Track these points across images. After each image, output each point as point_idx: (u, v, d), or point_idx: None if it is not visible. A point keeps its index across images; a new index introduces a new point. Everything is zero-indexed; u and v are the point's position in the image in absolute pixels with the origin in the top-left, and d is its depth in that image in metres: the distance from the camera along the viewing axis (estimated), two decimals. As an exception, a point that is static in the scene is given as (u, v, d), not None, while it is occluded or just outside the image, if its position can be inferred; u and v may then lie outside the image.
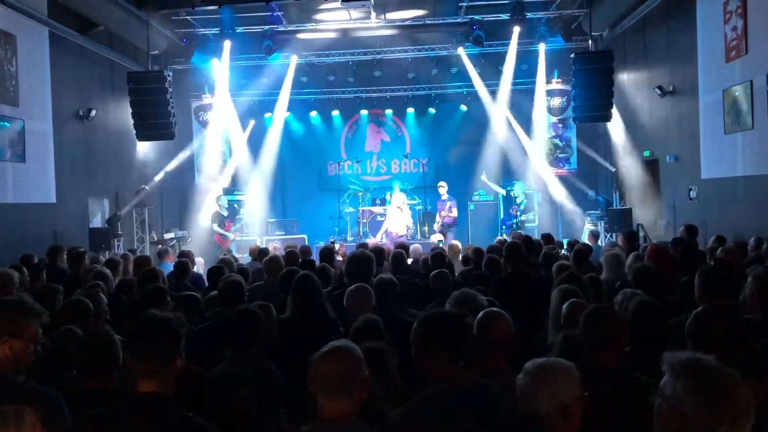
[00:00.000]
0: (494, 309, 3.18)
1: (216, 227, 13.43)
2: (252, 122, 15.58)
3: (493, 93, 15.07)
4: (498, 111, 14.93)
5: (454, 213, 13.54)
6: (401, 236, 13.05)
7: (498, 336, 2.93)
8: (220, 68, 13.98)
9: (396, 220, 13.45)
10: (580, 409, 2.21)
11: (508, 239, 8.66)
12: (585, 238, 11.58)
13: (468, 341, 2.73)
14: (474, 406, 2.46)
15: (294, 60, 14.60)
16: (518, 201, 14.04)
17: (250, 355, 3.39)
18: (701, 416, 1.60)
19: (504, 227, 13.79)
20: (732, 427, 1.60)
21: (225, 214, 13.75)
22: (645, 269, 4.47)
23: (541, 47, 13.82)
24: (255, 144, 15.53)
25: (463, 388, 2.53)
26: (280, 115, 15.30)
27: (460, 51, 14.18)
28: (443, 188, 13.78)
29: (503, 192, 14.28)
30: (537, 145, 15.03)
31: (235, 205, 14.54)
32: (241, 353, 3.38)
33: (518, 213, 13.88)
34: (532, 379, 2.22)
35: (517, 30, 13.09)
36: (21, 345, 2.63)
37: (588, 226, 13.39)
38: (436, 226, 13.63)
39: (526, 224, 13.84)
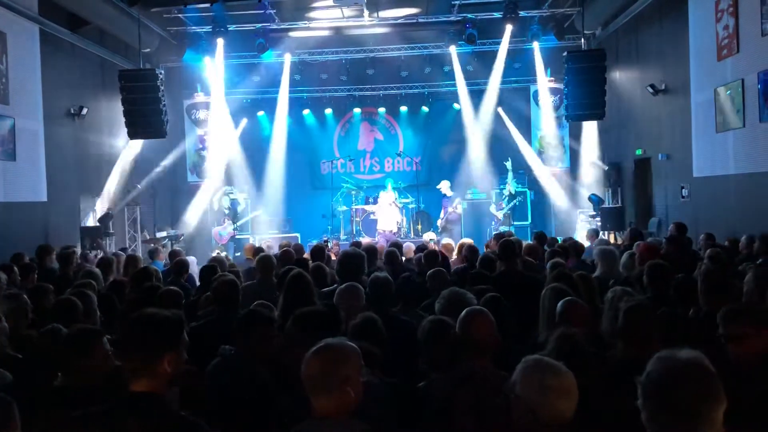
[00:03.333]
0: (476, 307, 3.17)
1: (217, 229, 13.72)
2: (245, 120, 15.56)
3: (486, 92, 15.11)
4: (490, 109, 14.98)
5: (459, 210, 13.64)
6: (394, 233, 13.10)
7: (478, 335, 2.91)
8: (213, 66, 13.94)
9: (386, 219, 13.47)
10: None
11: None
12: (577, 236, 11.61)
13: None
14: None
15: (288, 59, 14.56)
16: (504, 195, 13.93)
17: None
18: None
19: (493, 222, 13.82)
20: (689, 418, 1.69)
21: (226, 212, 13.85)
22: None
23: (535, 45, 13.84)
24: (248, 142, 15.51)
25: None
26: (281, 114, 15.25)
27: (452, 50, 14.19)
28: (446, 185, 13.92)
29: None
30: (531, 143, 15.09)
31: (231, 204, 14.49)
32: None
33: (504, 207, 13.80)
34: (552, 391, 2.15)
35: (509, 28, 13.11)
36: None
37: (582, 224, 13.43)
38: (439, 222, 13.69)
39: (513, 221, 13.75)
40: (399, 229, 13.64)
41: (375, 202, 14.48)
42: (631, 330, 3.09)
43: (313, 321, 3.15)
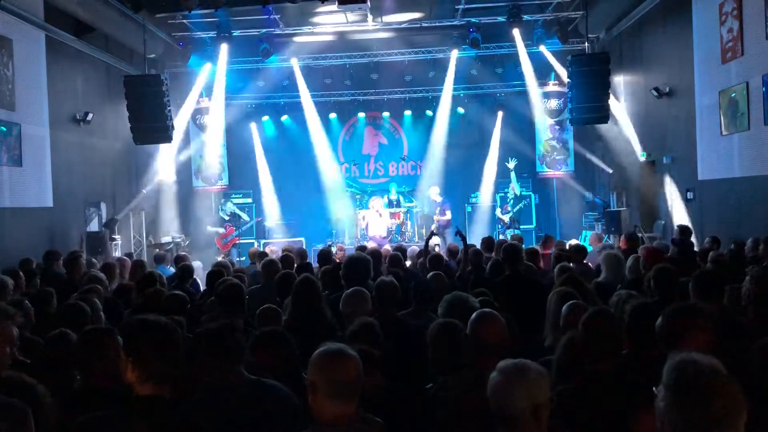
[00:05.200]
0: (486, 310, 3.16)
1: (212, 228, 13.69)
2: (252, 125, 15.61)
3: (489, 96, 15.14)
4: (496, 112, 15.03)
5: (448, 216, 13.62)
6: (384, 238, 13.13)
7: (488, 338, 2.91)
8: (216, 72, 13.98)
9: (376, 224, 13.51)
10: (548, 410, 2.20)
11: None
12: (583, 240, 11.59)
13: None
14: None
15: (296, 64, 14.60)
16: (509, 198, 13.86)
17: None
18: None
19: (499, 226, 13.79)
20: (721, 427, 1.63)
21: (226, 218, 13.87)
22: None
23: (542, 49, 13.84)
24: (250, 146, 15.55)
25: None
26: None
27: (453, 55, 14.20)
28: (435, 191, 13.87)
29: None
30: (536, 147, 15.08)
31: (236, 209, 14.51)
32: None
33: (510, 210, 13.73)
34: (505, 377, 2.21)
35: (518, 33, 13.11)
36: None
37: (586, 228, 13.41)
38: (433, 227, 13.70)
39: (521, 224, 13.68)
40: (389, 233, 13.65)
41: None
42: (636, 331, 3.09)
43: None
